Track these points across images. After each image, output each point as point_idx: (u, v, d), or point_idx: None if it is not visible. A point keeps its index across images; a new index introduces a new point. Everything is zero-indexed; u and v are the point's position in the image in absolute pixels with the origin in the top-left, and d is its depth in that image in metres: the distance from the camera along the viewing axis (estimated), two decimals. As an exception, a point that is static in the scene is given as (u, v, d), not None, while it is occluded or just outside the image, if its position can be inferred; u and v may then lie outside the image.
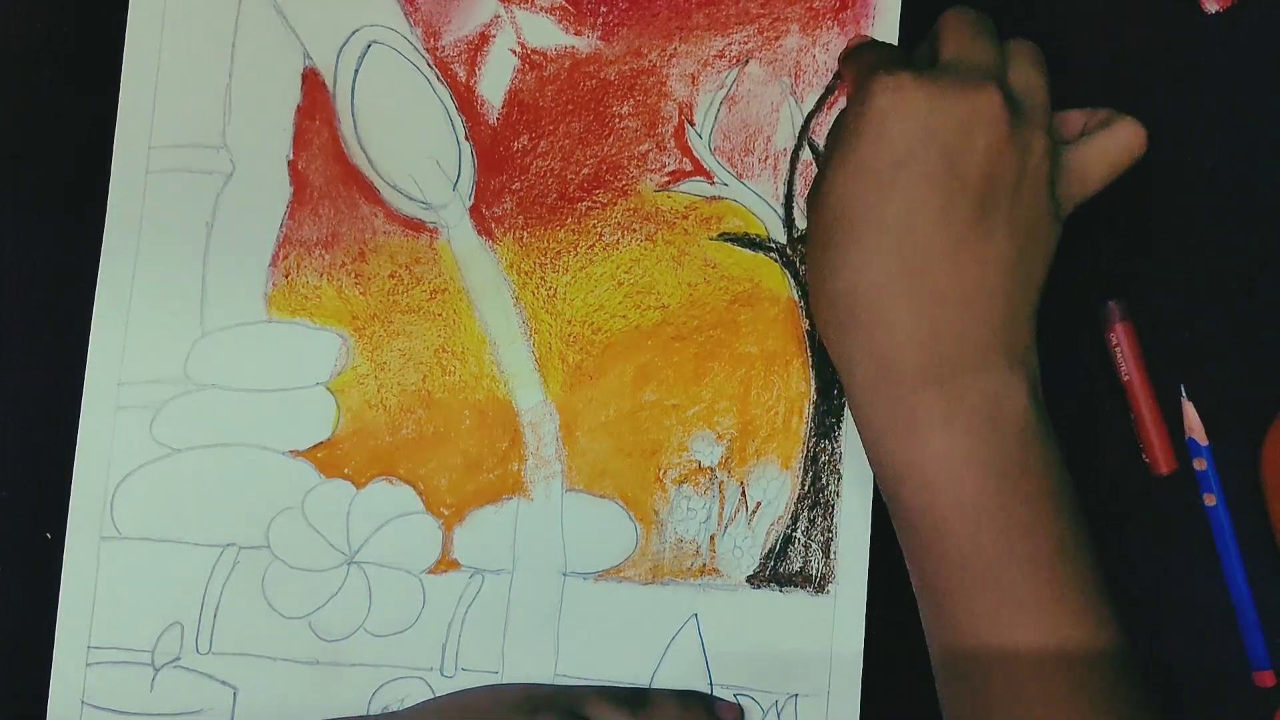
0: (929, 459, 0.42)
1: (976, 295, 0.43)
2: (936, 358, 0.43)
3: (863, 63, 0.47)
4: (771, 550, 0.51)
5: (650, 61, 0.52)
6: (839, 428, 0.52)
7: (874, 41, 0.50)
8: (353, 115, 0.52)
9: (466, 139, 0.52)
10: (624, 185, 0.52)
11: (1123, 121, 0.47)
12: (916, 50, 0.49)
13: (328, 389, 0.52)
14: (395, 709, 0.51)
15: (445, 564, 0.51)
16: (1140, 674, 0.42)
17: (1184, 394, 0.52)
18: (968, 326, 0.43)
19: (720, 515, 0.52)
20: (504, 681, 0.51)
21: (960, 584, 0.42)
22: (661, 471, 0.52)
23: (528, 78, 0.52)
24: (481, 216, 0.52)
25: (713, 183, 0.52)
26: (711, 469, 0.52)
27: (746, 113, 0.52)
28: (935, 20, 0.47)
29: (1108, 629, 0.42)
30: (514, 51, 0.53)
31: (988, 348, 0.43)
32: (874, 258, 0.43)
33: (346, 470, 0.52)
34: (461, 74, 0.52)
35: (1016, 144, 0.43)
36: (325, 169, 0.52)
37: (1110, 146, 0.46)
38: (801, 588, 0.51)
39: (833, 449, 0.51)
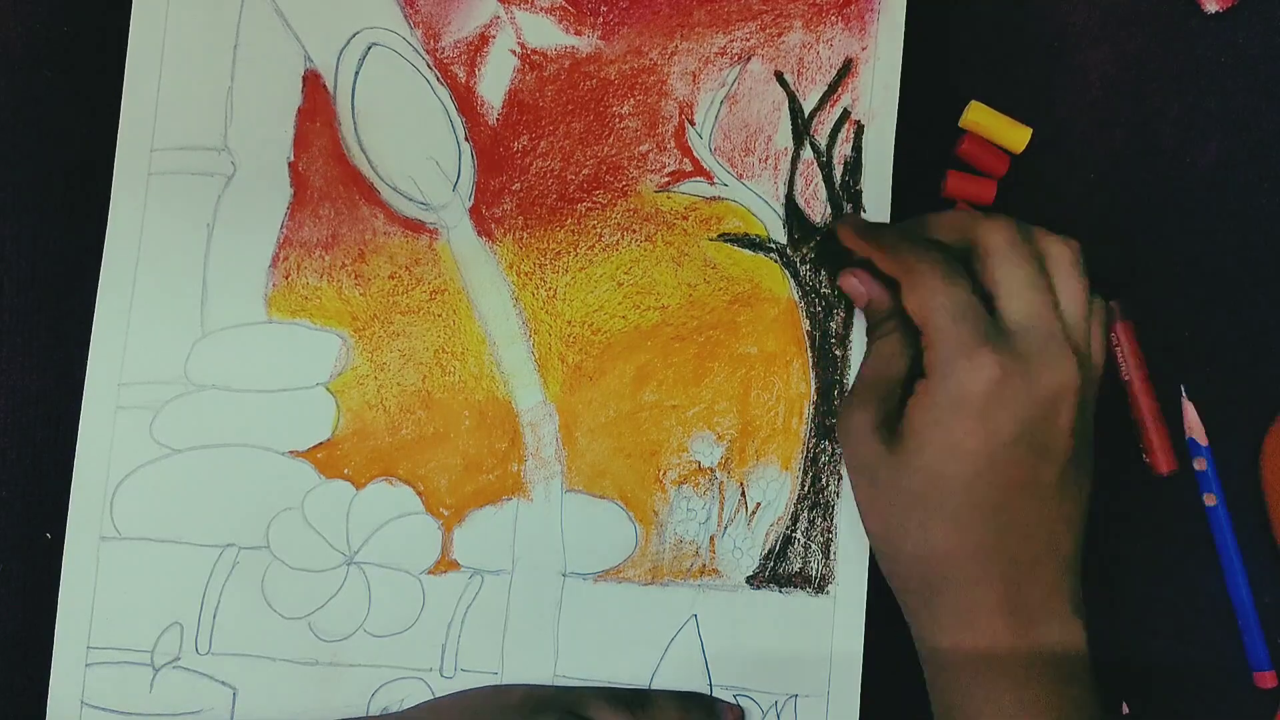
0: (998, 701, 0.45)
1: (1048, 559, 0.45)
2: (1013, 617, 0.45)
3: (942, 303, 0.45)
4: (771, 551, 0.51)
5: (651, 60, 0.52)
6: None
7: (942, 258, 0.47)
8: (353, 117, 0.52)
9: (466, 140, 0.52)
10: (624, 186, 0.52)
11: (1094, 303, 0.47)
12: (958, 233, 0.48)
13: (328, 389, 0.52)
14: (395, 709, 0.51)
15: (445, 564, 0.51)
16: None
17: (1184, 394, 0.52)
18: (1040, 588, 0.45)
19: (720, 516, 0.52)
20: (504, 682, 0.51)
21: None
22: (661, 472, 0.52)
23: (527, 78, 0.53)
24: (481, 217, 0.52)
25: (713, 183, 0.52)
26: (711, 470, 0.52)
27: (747, 112, 0.52)
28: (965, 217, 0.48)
29: None
30: (514, 52, 0.53)
31: (1055, 603, 0.45)
32: (967, 524, 0.45)
33: (346, 471, 0.52)
34: (461, 75, 0.53)
35: (1082, 404, 0.45)
36: (326, 170, 0.52)
37: (1100, 336, 0.47)
38: (801, 588, 0.51)
39: (832, 449, 0.51)
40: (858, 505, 0.48)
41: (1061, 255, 0.46)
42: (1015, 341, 0.44)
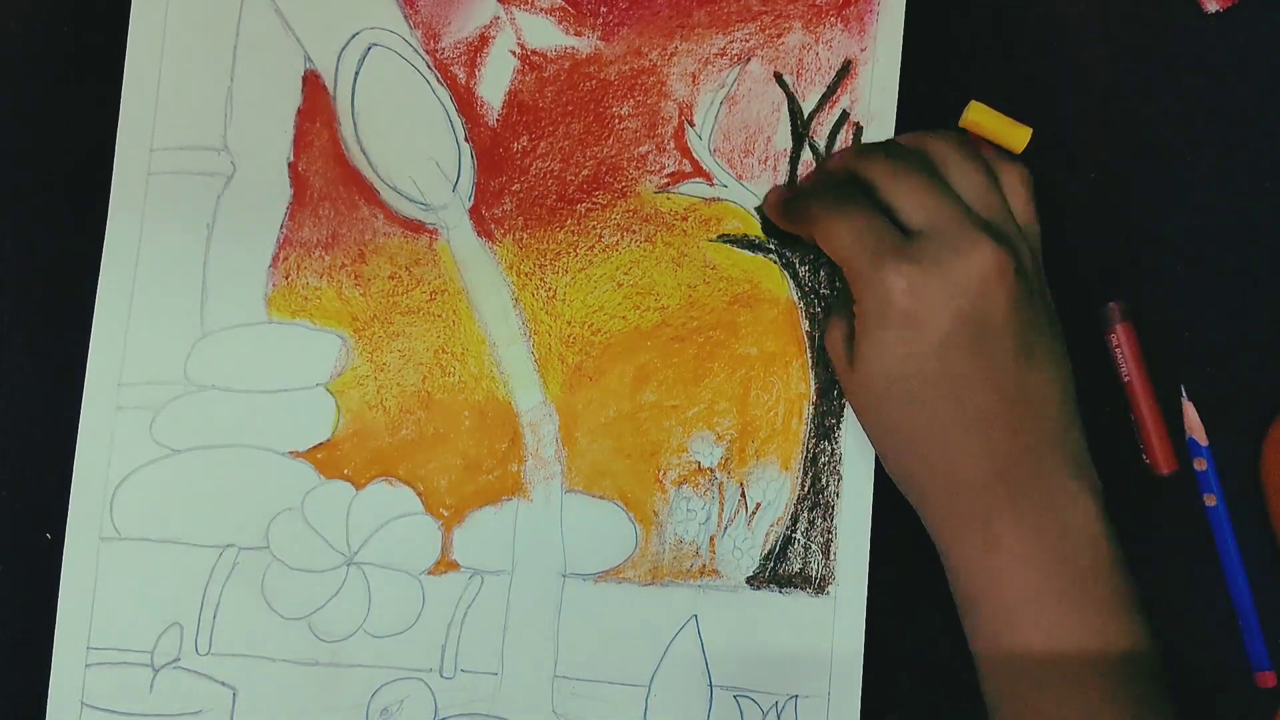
0: (1005, 565, 0.46)
1: (1033, 420, 0.46)
2: (1003, 481, 0.46)
3: (843, 233, 0.46)
4: (771, 551, 0.51)
5: (650, 61, 0.52)
6: (839, 429, 0.52)
7: (829, 193, 0.48)
8: (353, 117, 0.52)
9: (466, 140, 0.52)
10: (623, 187, 0.52)
11: (1007, 169, 0.48)
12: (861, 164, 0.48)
13: (327, 390, 0.52)
14: (394, 710, 0.51)
15: (445, 565, 0.51)
16: None
17: (1184, 394, 0.52)
18: (1030, 449, 0.46)
19: (720, 516, 0.52)
20: (503, 683, 0.51)
21: (1033, 683, 0.46)
22: (661, 472, 0.52)
23: (527, 79, 0.53)
24: (481, 218, 0.52)
25: (712, 184, 0.52)
26: (711, 470, 0.52)
27: (747, 113, 0.52)
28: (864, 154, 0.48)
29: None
30: (514, 53, 0.53)
31: (1049, 466, 0.46)
32: (935, 419, 0.46)
33: (346, 471, 0.52)
34: (461, 75, 0.53)
35: (1021, 274, 0.46)
36: (325, 171, 0.52)
37: (1024, 200, 0.48)
38: (801, 589, 0.51)
39: (832, 450, 0.51)
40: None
41: (945, 150, 0.47)
42: (926, 246, 0.45)
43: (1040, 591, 0.45)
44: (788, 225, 0.51)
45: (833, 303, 0.52)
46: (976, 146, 0.48)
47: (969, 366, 0.45)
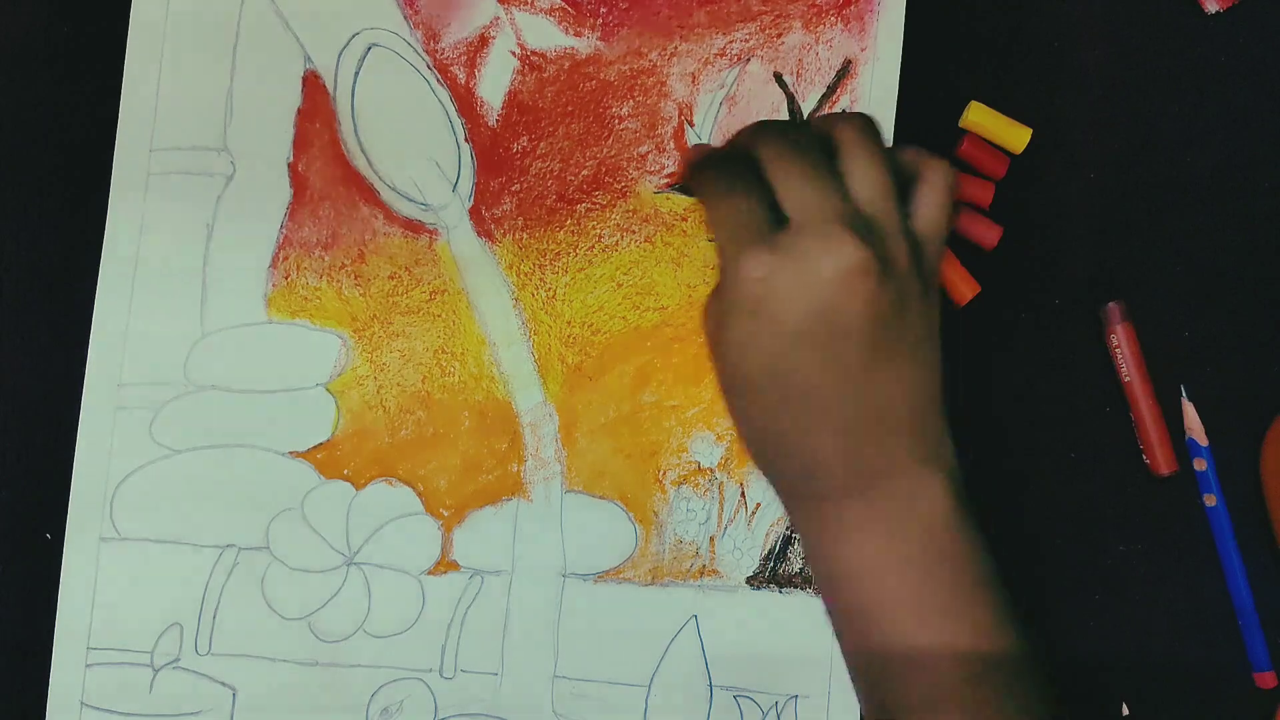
0: (856, 558, 0.45)
1: (883, 415, 0.44)
2: (855, 473, 0.44)
3: (720, 212, 0.45)
4: (771, 551, 0.51)
5: (650, 61, 0.52)
6: (839, 428, 0.51)
7: (716, 167, 0.47)
8: (353, 117, 0.53)
9: (466, 141, 0.52)
10: (623, 187, 0.52)
11: (930, 166, 0.46)
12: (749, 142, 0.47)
13: (327, 390, 0.52)
14: (394, 710, 0.51)
15: (445, 565, 0.51)
16: None
17: (1184, 394, 0.52)
18: (880, 441, 0.44)
19: (720, 516, 0.52)
20: (503, 683, 0.51)
21: (887, 670, 0.45)
22: (661, 472, 0.52)
23: (527, 79, 0.53)
24: (481, 218, 0.52)
25: (712, 184, 0.52)
26: (711, 470, 0.52)
27: (747, 113, 0.52)
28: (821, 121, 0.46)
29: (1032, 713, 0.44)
30: (514, 53, 0.53)
31: (899, 455, 0.45)
32: (785, 408, 0.44)
33: (346, 471, 0.52)
34: (461, 76, 0.53)
35: (888, 276, 0.44)
36: (325, 171, 0.52)
37: (935, 201, 0.46)
38: (801, 589, 0.51)
39: (832, 450, 0.51)
40: None
41: (848, 137, 0.45)
42: (789, 236, 0.43)
43: (893, 581, 0.44)
44: (689, 193, 0.50)
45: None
46: (880, 137, 0.46)
47: (819, 363, 0.44)
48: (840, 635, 0.46)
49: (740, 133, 0.47)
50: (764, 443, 0.46)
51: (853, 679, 0.46)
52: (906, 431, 0.45)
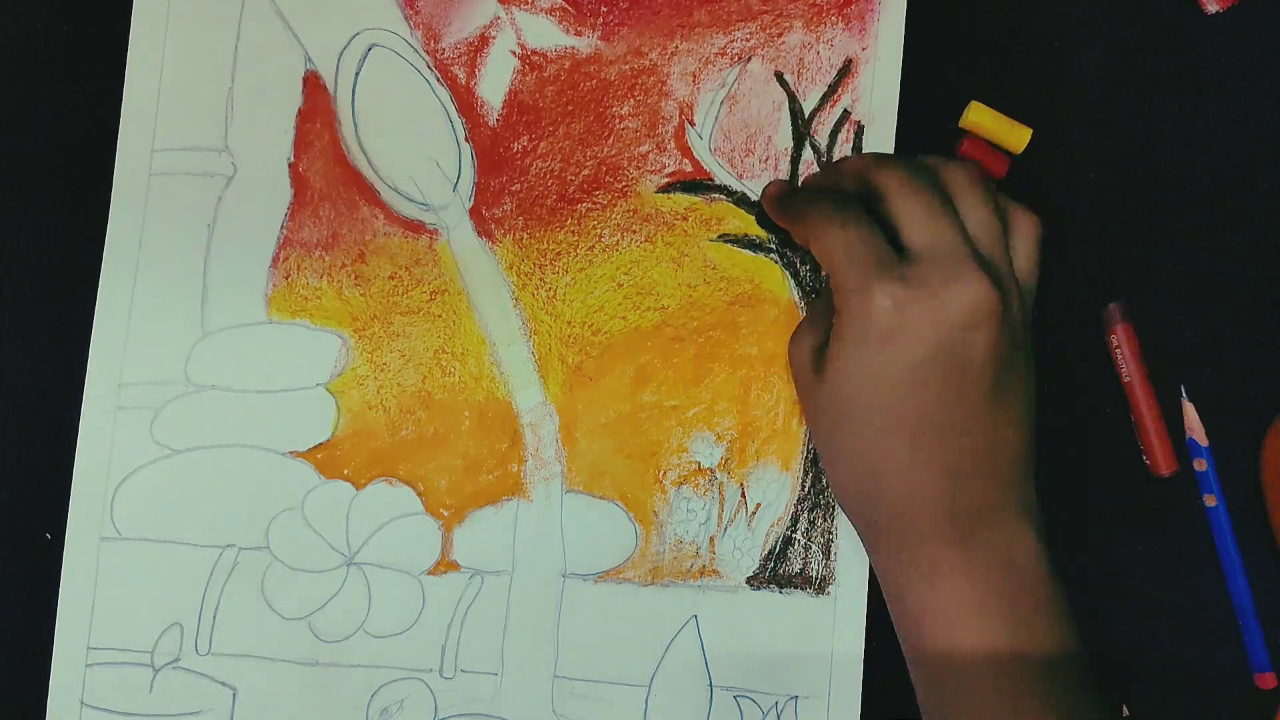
0: (949, 605, 0.46)
1: (989, 463, 0.45)
2: (955, 520, 0.45)
3: (837, 242, 0.46)
4: (771, 551, 0.51)
5: (651, 60, 0.52)
6: (839, 428, 0.51)
7: (829, 201, 0.47)
8: (353, 118, 0.53)
9: (466, 140, 0.52)
10: (624, 186, 0.52)
11: (1021, 216, 0.48)
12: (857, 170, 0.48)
13: (328, 390, 0.52)
14: (394, 710, 0.51)
15: (445, 565, 0.51)
16: None
17: (1184, 394, 0.52)
18: (982, 490, 0.45)
19: (720, 516, 0.52)
20: (503, 683, 0.51)
21: (961, 710, 0.46)
22: (661, 473, 0.52)
23: (528, 79, 0.53)
24: (481, 218, 0.52)
25: (713, 183, 0.52)
26: (711, 470, 0.52)
27: (747, 112, 0.52)
28: (877, 171, 0.47)
29: None
30: (514, 53, 0.53)
31: (1001, 505, 0.46)
32: (896, 442, 0.45)
33: (346, 471, 0.52)
34: (461, 76, 0.53)
35: (1007, 321, 0.45)
36: (326, 171, 0.52)
37: (1028, 251, 0.47)
38: (801, 589, 0.51)
39: (833, 450, 0.51)
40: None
41: (960, 179, 0.47)
42: (919, 269, 0.44)
43: (981, 627, 0.45)
44: (782, 221, 0.50)
45: (808, 310, 0.52)
46: (991, 185, 0.47)
47: (939, 399, 0.44)
48: (916, 675, 0.47)
49: (852, 160, 0.48)
50: (861, 477, 0.46)
51: (924, 712, 0.47)
52: (1008, 477, 0.46)
